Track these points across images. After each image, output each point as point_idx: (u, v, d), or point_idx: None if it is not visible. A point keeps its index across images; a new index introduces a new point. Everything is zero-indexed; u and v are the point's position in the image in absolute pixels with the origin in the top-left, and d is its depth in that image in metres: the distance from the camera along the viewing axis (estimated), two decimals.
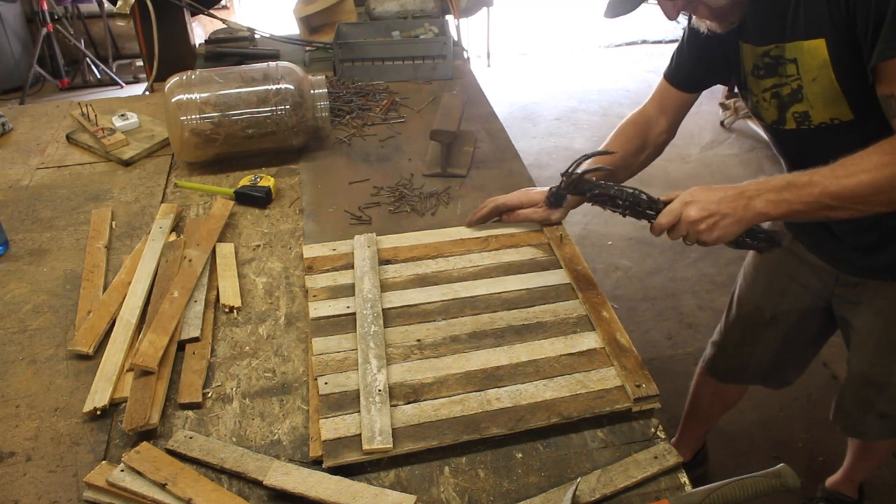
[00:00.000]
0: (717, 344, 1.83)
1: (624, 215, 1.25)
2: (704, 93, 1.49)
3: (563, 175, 1.30)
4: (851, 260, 1.41)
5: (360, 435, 1.00)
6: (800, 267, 1.54)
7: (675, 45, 1.46)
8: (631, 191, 1.23)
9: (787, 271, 1.57)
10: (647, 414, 1.07)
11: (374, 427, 1.01)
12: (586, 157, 1.30)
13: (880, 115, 1.10)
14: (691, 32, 1.36)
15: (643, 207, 1.21)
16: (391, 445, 0.99)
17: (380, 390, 1.07)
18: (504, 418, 1.03)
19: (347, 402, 1.06)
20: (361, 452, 0.99)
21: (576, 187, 1.29)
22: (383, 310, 1.23)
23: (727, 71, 1.36)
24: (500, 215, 1.46)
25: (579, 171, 1.28)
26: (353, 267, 1.35)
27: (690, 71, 1.43)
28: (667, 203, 1.18)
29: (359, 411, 1.04)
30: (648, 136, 1.48)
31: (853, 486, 2.02)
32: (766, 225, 1.22)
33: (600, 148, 1.47)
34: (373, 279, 1.30)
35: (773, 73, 1.24)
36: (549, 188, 1.39)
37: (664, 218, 1.16)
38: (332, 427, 1.02)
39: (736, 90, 1.43)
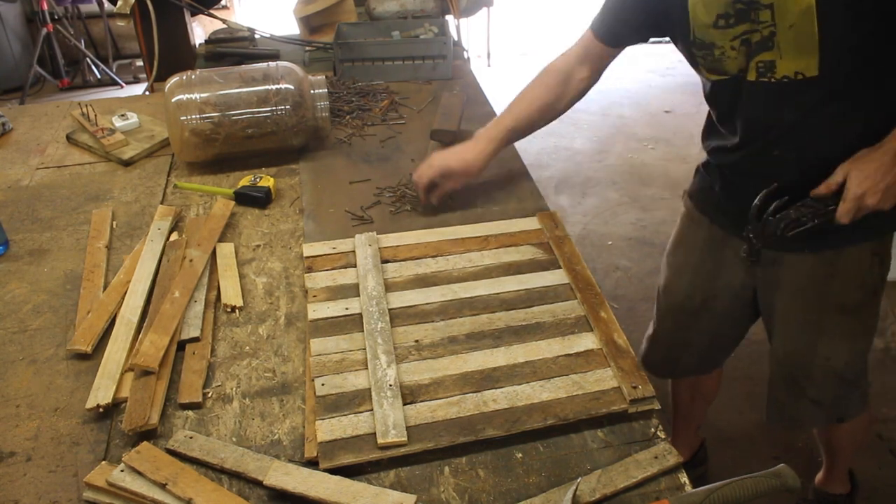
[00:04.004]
0: (649, 338, 1.83)
1: (821, 229, 1.22)
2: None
3: (750, 229, 1.26)
4: None
5: (357, 436, 1.01)
6: (724, 251, 1.53)
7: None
8: (809, 203, 1.21)
9: (712, 256, 1.56)
10: (647, 414, 1.07)
11: (388, 421, 1.01)
12: (770, 195, 1.25)
13: (846, 72, 1.11)
14: None
15: (828, 208, 1.19)
16: (406, 439, 0.99)
17: (391, 385, 1.07)
18: (500, 420, 1.03)
19: (344, 403, 1.06)
20: (358, 454, 0.99)
21: (771, 236, 1.25)
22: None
23: (659, 30, 1.35)
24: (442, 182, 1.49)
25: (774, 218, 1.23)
26: (353, 266, 1.35)
27: (617, 28, 1.42)
28: (834, 191, 1.18)
29: (356, 413, 1.04)
30: (569, 84, 1.49)
31: (839, 482, 2.00)
32: None
33: (519, 93, 1.52)
34: (376, 277, 1.30)
35: (745, 19, 1.20)
36: (742, 251, 1.32)
37: (846, 216, 1.16)
38: (329, 429, 1.02)
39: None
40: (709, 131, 1.48)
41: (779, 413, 1.66)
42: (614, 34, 1.43)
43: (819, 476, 2.02)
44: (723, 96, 1.36)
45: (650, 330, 1.83)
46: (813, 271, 1.41)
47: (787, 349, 1.54)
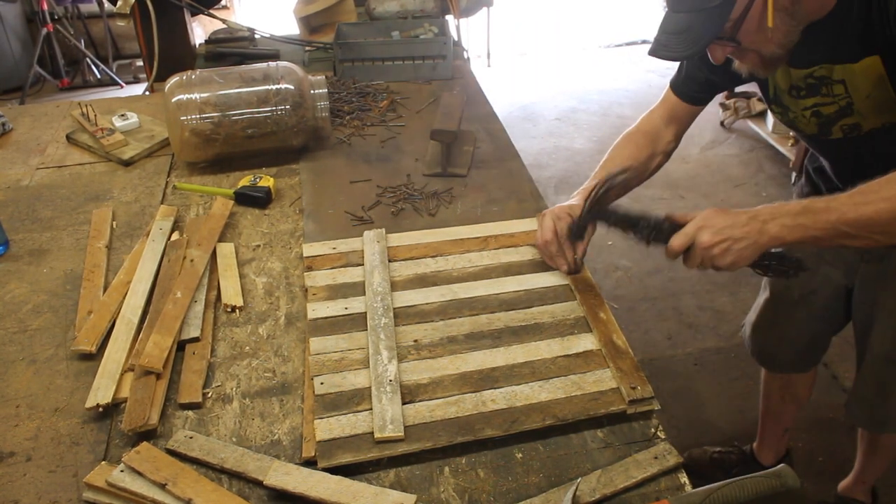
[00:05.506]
0: (751, 323, 1.83)
1: (647, 242, 1.21)
2: None
3: (585, 203, 1.26)
4: None
5: (355, 435, 1.01)
6: (826, 248, 1.51)
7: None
8: (653, 216, 1.20)
9: (814, 250, 1.54)
10: (647, 414, 1.07)
11: (386, 416, 1.02)
12: (608, 182, 1.26)
13: None
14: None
15: (666, 232, 1.18)
16: (402, 434, 1.00)
17: (390, 381, 1.08)
18: (498, 420, 1.03)
19: (343, 402, 1.06)
20: (356, 453, 0.99)
21: (599, 215, 1.25)
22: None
23: (740, 81, 1.33)
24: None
25: (601, 195, 1.24)
26: (352, 265, 1.35)
27: (700, 86, 1.41)
28: (684, 224, 1.16)
29: (354, 412, 1.05)
30: (657, 145, 1.48)
31: (865, 490, 1.99)
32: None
33: (608, 154, 1.46)
34: (382, 273, 1.31)
35: (816, 93, 1.22)
36: (568, 224, 1.30)
37: (677, 241, 1.14)
38: (327, 427, 1.02)
39: (736, 91, 1.43)
40: (806, 150, 1.47)
41: (865, 412, 1.65)
42: (700, 93, 1.42)
43: (846, 482, 2.02)
44: (811, 144, 1.38)
45: (752, 315, 1.82)
46: None
47: (885, 346, 1.50)
